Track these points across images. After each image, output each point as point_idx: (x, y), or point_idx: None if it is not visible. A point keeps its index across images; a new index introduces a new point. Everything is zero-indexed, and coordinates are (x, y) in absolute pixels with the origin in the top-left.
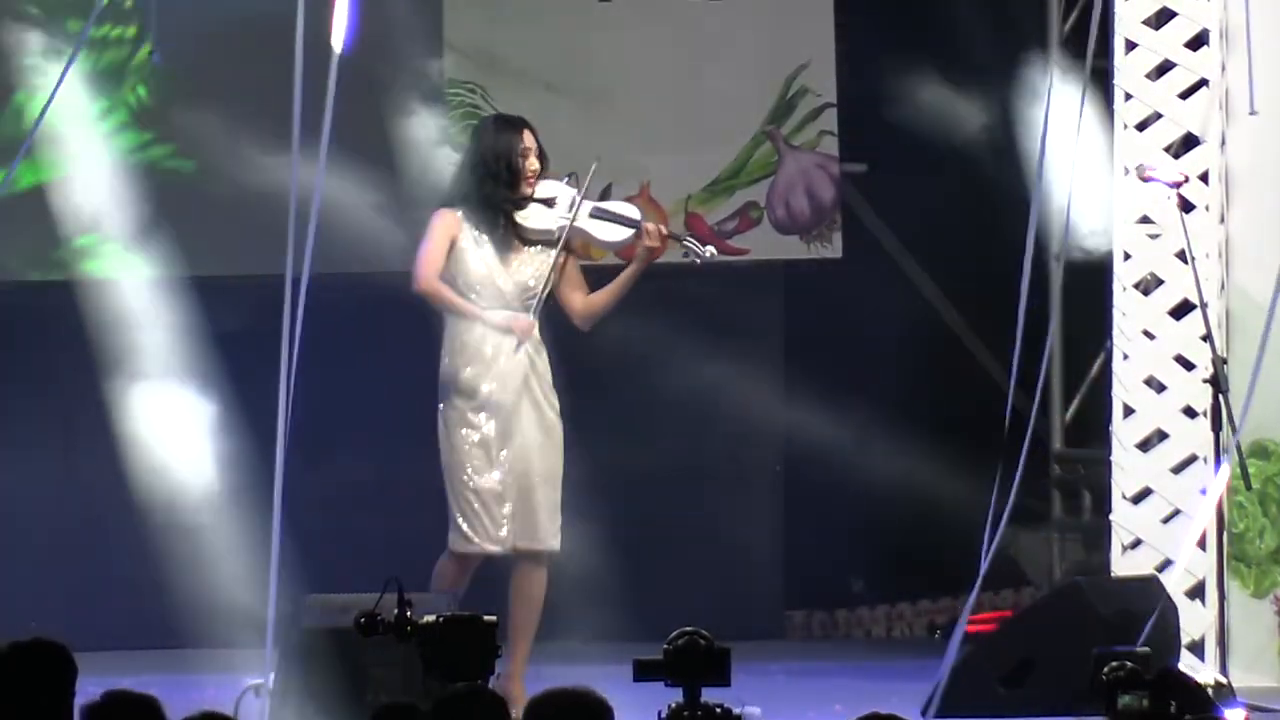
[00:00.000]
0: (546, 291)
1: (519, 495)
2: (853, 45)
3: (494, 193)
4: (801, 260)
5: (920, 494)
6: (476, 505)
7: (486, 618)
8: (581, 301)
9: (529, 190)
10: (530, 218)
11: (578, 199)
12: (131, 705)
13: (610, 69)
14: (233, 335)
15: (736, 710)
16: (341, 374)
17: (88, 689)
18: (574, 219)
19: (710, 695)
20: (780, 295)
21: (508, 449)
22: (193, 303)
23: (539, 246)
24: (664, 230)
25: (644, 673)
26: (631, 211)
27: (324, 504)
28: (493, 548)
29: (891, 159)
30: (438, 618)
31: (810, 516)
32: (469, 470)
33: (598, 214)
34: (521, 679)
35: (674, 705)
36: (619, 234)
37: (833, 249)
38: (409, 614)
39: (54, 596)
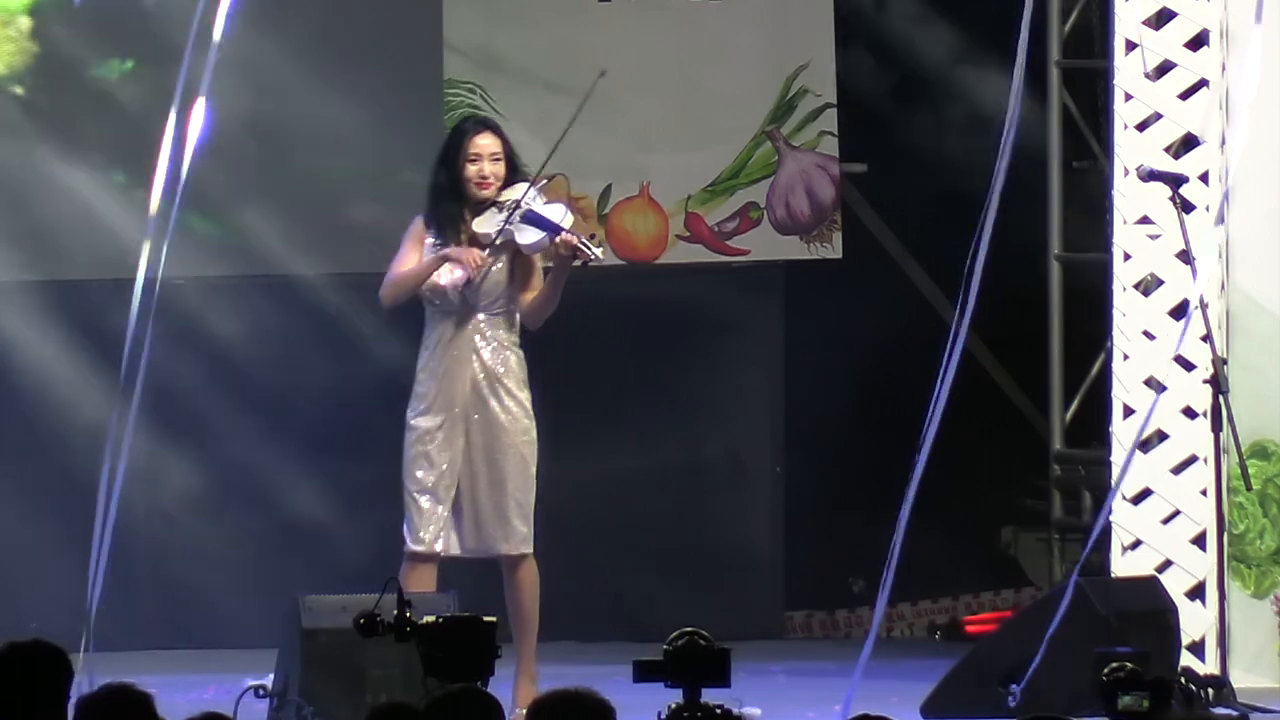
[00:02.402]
0: (501, 295)
1: (469, 499)
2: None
3: (439, 196)
4: (801, 260)
5: (921, 493)
6: (411, 506)
7: (486, 618)
8: (525, 303)
9: (481, 193)
10: (480, 223)
11: (520, 201)
12: (126, 700)
13: (610, 69)
14: (234, 335)
15: (736, 711)
16: (341, 374)
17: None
18: (507, 222)
19: (710, 695)
20: (780, 295)
21: (449, 450)
22: (198, 301)
23: (488, 251)
24: (570, 238)
25: (644, 673)
26: (558, 215)
27: (324, 504)
28: (417, 548)
29: (892, 159)
30: (437, 618)
31: (810, 516)
32: (408, 470)
33: (529, 218)
34: (529, 679)
35: (674, 706)
36: (535, 236)
37: (833, 249)
38: (408, 614)
39: (54, 596)
